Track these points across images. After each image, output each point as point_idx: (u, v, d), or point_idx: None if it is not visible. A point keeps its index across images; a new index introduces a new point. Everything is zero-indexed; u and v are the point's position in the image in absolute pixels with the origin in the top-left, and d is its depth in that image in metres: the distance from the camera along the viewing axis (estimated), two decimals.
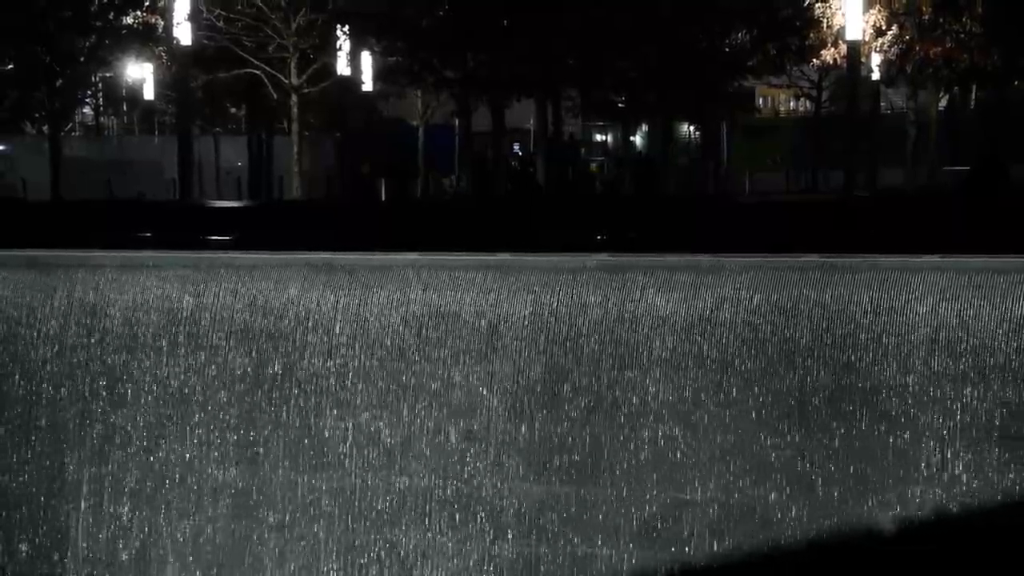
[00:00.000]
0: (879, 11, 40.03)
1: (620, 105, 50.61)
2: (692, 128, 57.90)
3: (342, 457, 3.53)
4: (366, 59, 45.91)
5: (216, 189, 49.95)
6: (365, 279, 3.57)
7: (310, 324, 3.53)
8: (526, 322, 3.43)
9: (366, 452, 3.56)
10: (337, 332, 3.55)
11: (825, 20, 41.00)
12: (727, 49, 46.66)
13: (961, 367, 3.16)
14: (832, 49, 41.12)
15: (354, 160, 47.68)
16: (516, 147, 55.11)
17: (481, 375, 3.45)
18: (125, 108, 58.53)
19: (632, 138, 57.18)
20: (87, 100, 52.66)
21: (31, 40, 40.35)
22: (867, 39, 39.27)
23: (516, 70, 42.09)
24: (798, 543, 3.27)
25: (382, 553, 3.48)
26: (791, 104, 64.39)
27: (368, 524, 3.53)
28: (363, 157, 47.71)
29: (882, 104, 49.79)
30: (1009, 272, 3.23)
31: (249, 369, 3.54)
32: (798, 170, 52.34)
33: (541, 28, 40.34)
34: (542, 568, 3.46)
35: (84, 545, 3.66)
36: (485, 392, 3.43)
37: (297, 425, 3.55)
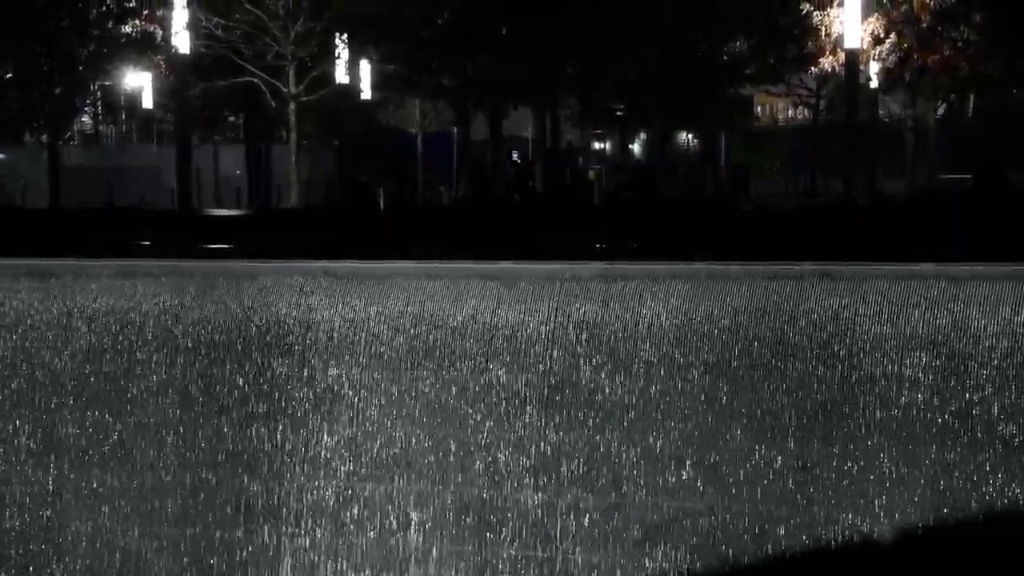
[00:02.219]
0: (877, 19, 40.05)
1: (619, 112, 50.64)
2: (690, 136, 57.93)
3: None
4: (364, 67, 45.92)
5: (215, 197, 49.95)
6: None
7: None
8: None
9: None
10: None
11: (823, 28, 41.02)
12: (726, 56, 46.71)
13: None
14: (830, 57, 41.13)
15: (353, 167, 47.74)
16: (515, 154, 55.13)
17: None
18: (124, 117, 58.53)
19: (630, 145, 57.19)
20: (86, 108, 52.67)
21: (30, 41, 40.39)
22: (865, 47, 39.29)
23: (515, 73, 42.10)
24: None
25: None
26: (789, 112, 64.43)
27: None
28: (362, 164, 47.76)
29: (880, 112, 49.83)
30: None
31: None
32: (797, 176, 52.41)
33: (541, 30, 40.39)
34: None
35: None
36: None
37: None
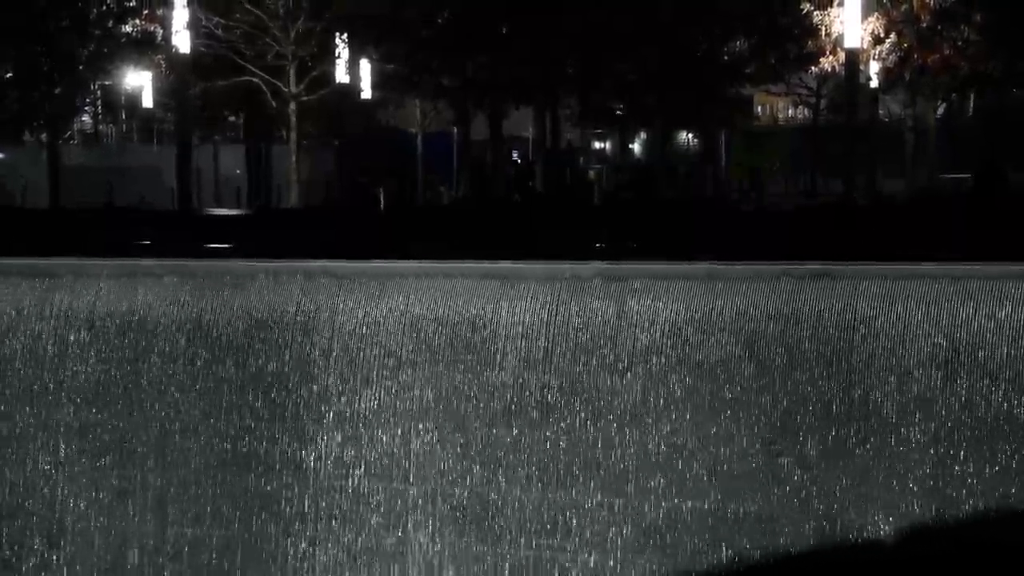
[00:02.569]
0: (878, 19, 40.07)
1: (619, 112, 50.61)
2: (690, 136, 57.88)
3: None
4: (365, 67, 45.92)
5: (215, 197, 49.94)
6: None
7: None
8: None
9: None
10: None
11: (824, 27, 41.05)
12: (726, 56, 46.67)
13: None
14: (831, 56, 41.14)
15: (353, 167, 47.72)
16: (514, 153, 55.14)
17: None
18: (124, 116, 58.51)
19: (631, 145, 57.18)
20: (86, 108, 52.63)
21: (30, 41, 40.33)
22: (866, 46, 39.30)
23: (515, 73, 42.10)
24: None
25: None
26: (789, 111, 64.43)
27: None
28: (362, 164, 47.74)
29: (880, 111, 49.84)
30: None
31: None
32: (797, 176, 52.41)
33: (541, 30, 40.38)
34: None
35: None
36: None
37: None
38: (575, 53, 42.45)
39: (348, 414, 3.56)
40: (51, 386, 3.75)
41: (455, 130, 50.81)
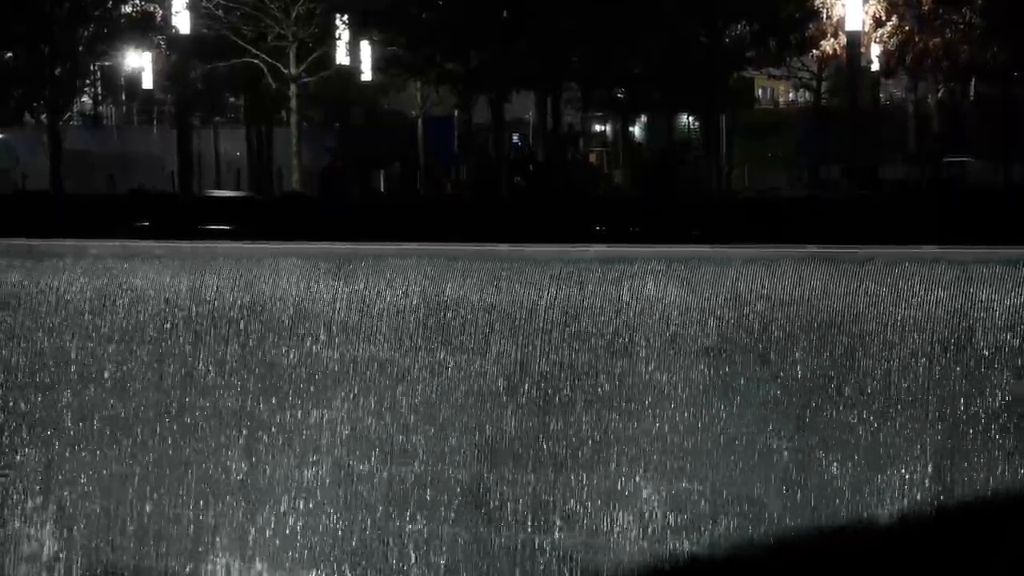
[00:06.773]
0: (879, 2, 39.98)
1: (619, 96, 50.44)
2: (692, 119, 57.64)
3: None
4: (365, 49, 45.72)
5: (216, 180, 49.79)
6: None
7: None
8: None
9: None
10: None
11: (825, 11, 40.95)
12: (727, 40, 46.46)
13: None
14: (832, 40, 41.05)
15: (354, 151, 47.58)
16: (515, 136, 54.97)
17: None
18: (124, 97, 58.26)
19: (631, 128, 57.03)
20: (86, 89, 52.42)
21: (32, 40, 40.13)
22: (867, 30, 39.20)
23: (517, 68, 41.92)
24: None
25: None
26: (790, 95, 64.12)
27: None
28: (356, 153, 47.53)
29: (881, 96, 49.60)
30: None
31: None
32: (800, 164, 52.09)
33: (542, 23, 40.20)
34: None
35: None
36: None
37: None
38: (577, 46, 42.15)
39: None
40: None
41: (455, 113, 50.58)
